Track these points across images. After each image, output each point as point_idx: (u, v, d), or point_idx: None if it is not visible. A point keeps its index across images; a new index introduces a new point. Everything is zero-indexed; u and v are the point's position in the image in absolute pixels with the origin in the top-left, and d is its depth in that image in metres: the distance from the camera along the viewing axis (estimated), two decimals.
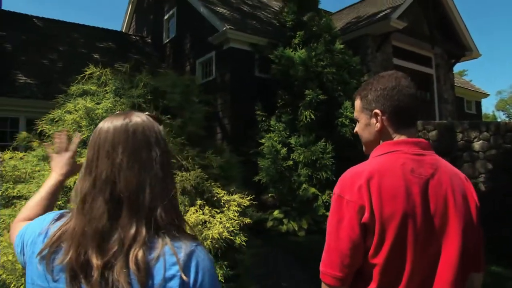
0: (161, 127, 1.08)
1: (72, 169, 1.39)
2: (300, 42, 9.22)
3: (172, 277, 0.89)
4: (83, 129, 3.42)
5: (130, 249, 0.88)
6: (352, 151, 7.97)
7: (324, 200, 8.04)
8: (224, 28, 9.61)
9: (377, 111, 1.38)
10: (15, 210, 2.92)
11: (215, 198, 3.43)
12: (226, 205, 3.41)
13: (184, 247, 0.93)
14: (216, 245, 3.05)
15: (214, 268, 1.00)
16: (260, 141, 8.70)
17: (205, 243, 2.95)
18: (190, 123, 3.93)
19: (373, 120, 1.40)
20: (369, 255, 1.20)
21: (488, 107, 75.91)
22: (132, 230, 0.90)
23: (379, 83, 1.39)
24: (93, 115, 3.45)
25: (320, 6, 10.31)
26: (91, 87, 3.89)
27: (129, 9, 17.59)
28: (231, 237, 3.14)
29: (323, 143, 8.30)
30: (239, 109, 9.72)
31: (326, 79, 8.67)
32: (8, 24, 11.29)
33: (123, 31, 17.65)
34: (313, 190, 8.13)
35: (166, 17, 13.75)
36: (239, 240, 3.22)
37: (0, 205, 3.32)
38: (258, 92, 9.79)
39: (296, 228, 7.91)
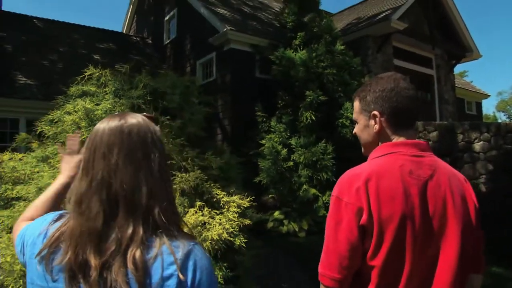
0: (157, 128, 1.09)
1: None
2: (301, 43, 9.22)
3: (169, 276, 0.89)
4: (83, 130, 3.42)
5: (127, 248, 0.89)
6: (352, 152, 7.95)
7: (325, 201, 8.03)
8: (225, 29, 9.61)
9: (375, 112, 1.37)
10: (14, 212, 2.92)
11: (215, 199, 3.42)
12: (226, 206, 3.40)
13: (181, 246, 0.93)
14: (216, 247, 3.04)
15: (212, 267, 1.00)
16: (260, 142, 8.69)
17: (204, 245, 2.95)
18: (189, 124, 3.93)
19: (372, 122, 1.40)
20: (367, 257, 1.20)
21: (488, 108, 75.93)
22: (129, 230, 0.90)
23: (378, 84, 1.39)
24: (92, 116, 3.45)
25: (321, 7, 10.31)
26: (91, 88, 3.89)
27: (130, 10, 17.61)
28: (231, 239, 3.13)
29: (324, 144, 8.29)
30: (240, 110, 9.72)
31: (326, 80, 8.66)
32: (8, 25, 11.30)
33: (124, 32, 17.68)
34: (313, 191, 8.12)
35: (166, 18, 13.76)
36: (239, 241, 3.22)
37: None
38: (259, 93, 9.78)
39: (297, 229, 7.90)
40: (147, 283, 0.87)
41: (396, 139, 1.36)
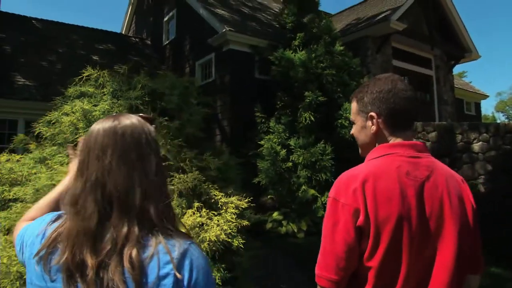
0: (152, 128, 1.09)
1: None
2: (300, 44, 9.22)
3: (166, 275, 0.90)
4: (80, 131, 3.41)
5: (123, 248, 0.90)
6: (351, 153, 7.90)
7: (324, 202, 8.03)
8: (224, 30, 9.61)
9: (372, 113, 1.37)
10: (11, 213, 2.91)
11: (213, 200, 3.41)
12: (224, 207, 3.39)
13: (177, 246, 0.94)
14: (214, 248, 3.04)
15: (209, 266, 1.01)
16: (259, 142, 8.69)
17: (202, 246, 2.94)
18: (188, 125, 3.93)
19: (369, 123, 1.39)
20: (364, 258, 1.20)
21: (487, 108, 75.91)
22: (124, 230, 0.91)
23: (375, 85, 1.39)
24: (90, 117, 3.44)
25: (320, 8, 10.32)
26: (89, 89, 3.89)
27: (129, 11, 17.61)
28: (229, 240, 3.13)
29: (323, 145, 8.29)
30: (239, 111, 9.72)
31: (326, 81, 8.66)
32: (7, 26, 11.30)
33: (123, 33, 17.68)
34: (312, 191, 8.12)
35: (165, 19, 13.76)
36: (237, 242, 3.21)
37: None
38: (258, 94, 9.79)
39: (296, 230, 7.90)
40: (144, 282, 0.88)
41: (393, 140, 1.35)
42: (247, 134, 9.28)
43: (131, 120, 1.05)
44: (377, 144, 1.39)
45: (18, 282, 2.55)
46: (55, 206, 1.26)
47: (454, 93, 14.21)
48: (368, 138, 1.42)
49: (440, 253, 1.22)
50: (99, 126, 1.03)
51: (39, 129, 3.78)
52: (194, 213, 3.17)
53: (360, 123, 1.44)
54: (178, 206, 3.20)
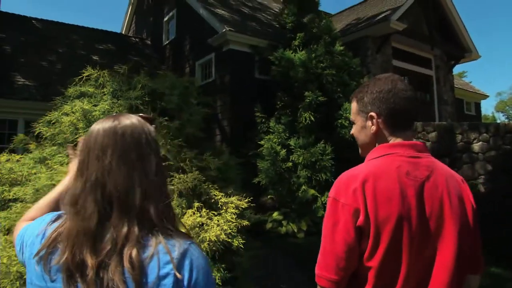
0: (152, 128, 1.09)
1: None
2: (300, 44, 9.22)
3: (166, 275, 0.90)
4: (80, 131, 3.41)
5: (123, 248, 0.90)
6: (351, 153, 7.89)
7: (324, 202, 8.02)
8: (224, 30, 9.61)
9: (372, 114, 1.37)
10: (11, 213, 2.91)
11: (213, 200, 3.41)
12: (224, 207, 3.39)
13: (177, 246, 0.94)
14: (214, 248, 3.04)
15: (209, 266, 1.01)
16: (259, 142, 8.69)
17: (202, 246, 2.94)
18: (188, 125, 3.92)
19: (369, 123, 1.39)
20: (364, 258, 1.20)
21: (487, 108, 75.91)
22: (124, 230, 0.91)
23: (375, 85, 1.39)
24: (90, 117, 3.44)
25: (320, 8, 10.31)
26: (89, 89, 3.89)
27: (129, 11, 17.61)
28: (229, 240, 3.13)
29: (323, 145, 8.28)
30: (239, 111, 9.72)
31: (326, 81, 8.66)
32: (7, 26, 11.29)
33: (123, 33, 17.68)
34: (312, 191, 8.11)
35: (165, 19, 13.76)
36: (237, 242, 3.21)
37: None
38: (258, 94, 9.78)
39: (296, 230, 7.90)
40: (144, 282, 0.88)
41: (393, 140, 1.35)
42: (247, 134, 9.28)
43: (131, 120, 1.05)
44: (377, 144, 1.39)
45: (18, 282, 2.55)
46: (55, 206, 1.26)
47: (454, 93, 14.21)
48: (368, 138, 1.42)
49: (440, 253, 1.22)
50: (99, 126, 1.03)
51: (39, 129, 3.78)
52: (194, 213, 3.17)
53: (360, 123, 1.44)
54: (178, 206, 3.20)
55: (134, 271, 0.88)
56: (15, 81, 9.58)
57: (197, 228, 3.07)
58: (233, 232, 3.21)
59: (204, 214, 3.19)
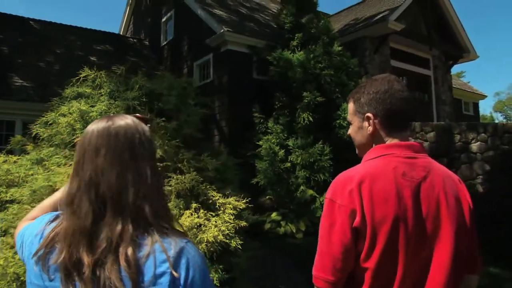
0: (147, 128, 1.11)
1: None
2: (299, 44, 9.22)
3: (162, 274, 0.91)
4: (77, 132, 3.40)
5: (118, 246, 0.91)
6: (350, 153, 7.87)
7: (322, 202, 8.01)
8: (222, 30, 9.61)
9: (369, 114, 1.37)
10: (7, 214, 2.90)
11: (211, 201, 3.40)
12: (222, 208, 3.38)
13: (174, 244, 0.95)
14: (211, 249, 3.02)
15: (205, 264, 1.02)
16: (257, 143, 8.69)
17: (200, 247, 2.93)
18: (185, 125, 3.91)
19: (366, 124, 1.40)
20: (360, 259, 1.20)
21: (485, 108, 76.13)
22: (118, 228, 0.93)
23: (372, 86, 1.39)
24: (87, 117, 3.43)
25: (318, 9, 10.31)
26: (86, 90, 3.87)
27: (127, 11, 17.59)
28: (227, 241, 3.11)
29: (321, 145, 8.28)
30: (237, 111, 9.71)
31: (324, 81, 8.66)
32: (4, 26, 11.28)
33: (121, 33, 17.67)
34: (310, 192, 8.11)
35: (164, 19, 13.75)
36: (235, 243, 3.20)
37: None
38: (256, 94, 9.78)
39: (294, 230, 7.89)
40: (140, 281, 0.89)
41: (390, 141, 1.36)
42: (245, 135, 9.27)
43: (125, 120, 1.06)
44: (374, 145, 1.40)
45: (15, 284, 2.54)
46: (58, 207, 1.27)
47: (452, 93, 14.22)
48: (364, 139, 1.42)
49: (437, 254, 1.22)
50: (93, 127, 1.04)
51: (36, 130, 3.77)
52: (191, 214, 3.16)
53: (357, 124, 1.44)
54: (175, 207, 3.19)
55: (131, 270, 0.88)
56: (13, 82, 9.56)
57: (194, 229, 3.05)
58: (231, 233, 3.19)
59: (202, 215, 3.18)
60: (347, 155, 7.90)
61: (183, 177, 3.35)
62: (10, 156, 3.69)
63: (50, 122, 3.74)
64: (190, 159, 3.58)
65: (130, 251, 0.90)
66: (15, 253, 2.72)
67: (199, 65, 11.34)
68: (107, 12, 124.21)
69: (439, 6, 12.85)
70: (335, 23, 12.63)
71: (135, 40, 15.54)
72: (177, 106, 4.04)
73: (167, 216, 1.03)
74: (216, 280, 3.02)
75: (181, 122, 3.84)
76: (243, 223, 3.37)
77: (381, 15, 10.87)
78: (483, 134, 7.89)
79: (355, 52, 10.34)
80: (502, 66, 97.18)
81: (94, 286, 0.89)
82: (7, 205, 3.08)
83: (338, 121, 8.53)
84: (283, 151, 8.41)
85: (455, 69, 39.47)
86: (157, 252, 0.92)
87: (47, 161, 3.44)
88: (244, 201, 3.55)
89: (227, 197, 3.51)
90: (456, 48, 13.61)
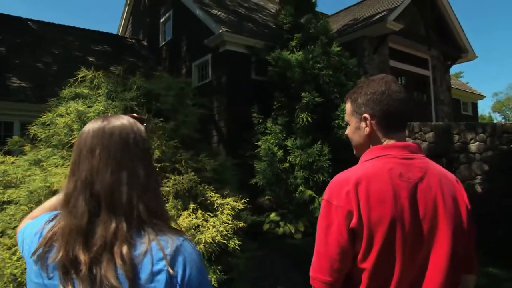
0: (142, 127, 1.12)
1: None
2: (297, 45, 9.21)
3: (159, 271, 0.92)
4: (75, 132, 3.40)
5: (113, 245, 0.93)
6: (348, 153, 7.82)
7: (321, 202, 8.00)
8: (220, 31, 9.60)
9: (366, 115, 1.37)
10: (4, 215, 2.89)
11: (209, 201, 3.40)
12: (220, 209, 3.38)
13: (170, 242, 0.97)
14: (209, 249, 3.02)
15: (202, 262, 1.03)
16: (256, 143, 8.67)
17: (197, 248, 2.92)
18: (183, 126, 3.91)
19: (363, 124, 1.40)
20: (357, 259, 1.20)
21: (484, 108, 76.37)
22: (112, 227, 0.94)
23: (369, 87, 1.39)
24: (85, 118, 3.42)
25: (317, 9, 10.30)
26: (84, 90, 3.87)
27: (125, 12, 17.57)
28: (225, 241, 3.11)
29: (320, 146, 8.28)
30: (235, 112, 9.70)
31: (323, 81, 8.65)
32: (2, 27, 11.25)
33: (119, 34, 17.65)
34: (309, 192, 8.10)
35: (162, 19, 13.74)
36: (233, 244, 3.19)
37: None
38: (255, 95, 9.77)
39: (293, 231, 7.88)
40: (137, 278, 0.90)
41: (387, 142, 1.36)
42: (243, 135, 9.26)
43: (120, 120, 1.08)
44: (371, 145, 1.40)
45: (12, 285, 2.53)
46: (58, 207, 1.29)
47: (451, 94, 14.24)
48: (361, 139, 1.42)
49: (434, 255, 1.22)
50: (89, 127, 1.06)
51: (34, 130, 3.76)
52: (189, 215, 3.16)
53: (354, 124, 1.44)
54: (173, 207, 3.18)
55: (126, 268, 0.90)
56: (11, 83, 9.54)
57: (192, 230, 3.05)
58: (229, 233, 3.19)
59: (200, 215, 3.18)
60: (346, 155, 7.88)
61: (181, 177, 3.34)
62: (7, 157, 3.68)
63: (47, 123, 3.73)
64: (188, 160, 3.57)
65: (125, 249, 0.91)
66: (12, 254, 2.72)
67: (198, 65, 11.33)
68: (105, 13, 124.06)
69: (438, 6, 12.86)
70: (333, 23, 12.63)
71: (133, 41, 15.52)
72: (174, 107, 4.04)
73: (164, 215, 1.05)
74: (214, 281, 3.01)
75: (179, 123, 3.84)
76: (242, 224, 3.37)
77: (379, 15, 10.87)
78: (481, 134, 7.89)
79: (354, 52, 10.33)
80: (501, 66, 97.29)
81: (91, 284, 0.90)
82: (5, 206, 3.08)
83: (337, 122, 8.53)
84: (282, 151, 8.41)
85: (454, 70, 39.51)
86: (154, 250, 0.93)
87: (45, 161, 3.43)
88: (243, 201, 3.54)
89: (225, 198, 3.51)
90: (454, 48, 13.63)
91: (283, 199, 8.39)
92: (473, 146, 7.97)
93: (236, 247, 3.22)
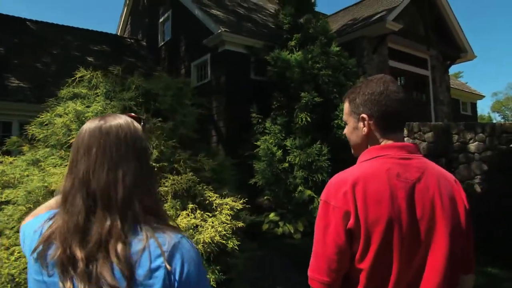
0: (139, 126, 1.13)
1: None
2: (297, 45, 9.21)
3: (157, 268, 0.93)
4: (73, 132, 3.39)
5: (108, 242, 0.94)
6: (348, 153, 7.78)
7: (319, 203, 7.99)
8: (219, 31, 9.59)
9: (364, 115, 1.37)
10: (2, 216, 2.88)
11: (207, 201, 3.39)
12: (219, 209, 3.37)
13: (168, 239, 0.98)
14: (208, 250, 3.01)
15: (200, 259, 1.04)
16: (255, 143, 8.67)
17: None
18: (182, 126, 3.90)
19: (361, 124, 1.40)
20: (355, 260, 1.21)
21: (483, 108, 76.43)
22: (107, 225, 0.96)
23: (367, 87, 1.39)
24: (83, 118, 3.42)
25: (316, 9, 10.30)
26: (82, 90, 3.86)
27: (124, 12, 17.55)
28: (223, 241, 3.10)
29: (319, 145, 8.27)
30: (235, 112, 9.69)
31: (322, 81, 8.65)
32: (1, 27, 11.23)
33: (118, 34, 17.64)
34: (309, 192, 8.10)
35: (161, 20, 13.72)
36: (232, 244, 3.19)
37: None
38: (254, 95, 9.76)
39: (292, 231, 7.88)
40: (135, 275, 0.92)
41: (385, 142, 1.35)
42: (242, 135, 9.25)
43: (117, 120, 1.09)
44: (369, 145, 1.39)
45: (9, 285, 2.52)
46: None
47: (450, 93, 14.24)
48: (359, 139, 1.42)
49: (431, 255, 1.22)
50: (86, 126, 1.08)
51: (32, 131, 3.75)
52: (188, 215, 3.15)
53: (352, 124, 1.44)
54: (172, 207, 3.17)
55: (122, 265, 0.91)
56: (9, 83, 9.53)
57: (191, 230, 3.04)
58: (228, 233, 3.18)
59: (199, 215, 3.17)
60: (345, 155, 7.86)
61: (180, 177, 3.34)
62: (6, 157, 3.67)
63: (45, 123, 3.72)
64: (186, 160, 3.57)
65: (120, 247, 0.92)
66: (10, 254, 2.71)
67: (197, 65, 11.32)
68: (104, 13, 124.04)
69: (437, 6, 12.86)
70: (333, 23, 12.63)
71: (132, 41, 15.51)
72: (173, 107, 4.03)
73: (161, 213, 1.06)
74: (213, 281, 3.00)
75: (177, 123, 3.83)
76: (240, 224, 3.36)
77: (378, 15, 10.87)
78: (481, 134, 7.89)
79: (353, 52, 10.34)
80: (500, 66, 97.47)
81: (89, 280, 0.91)
82: (2, 206, 3.07)
83: (336, 121, 8.52)
84: (281, 151, 8.40)
85: (453, 70, 39.51)
86: (152, 247, 0.94)
87: (43, 162, 3.42)
88: (241, 201, 3.54)
89: (224, 198, 3.50)
90: (453, 48, 13.63)
91: (282, 199, 8.38)
92: (472, 146, 7.97)
93: (235, 247, 3.21)
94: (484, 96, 20.89)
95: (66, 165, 3.14)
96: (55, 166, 3.27)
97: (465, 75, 69.68)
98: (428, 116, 12.81)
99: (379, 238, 1.16)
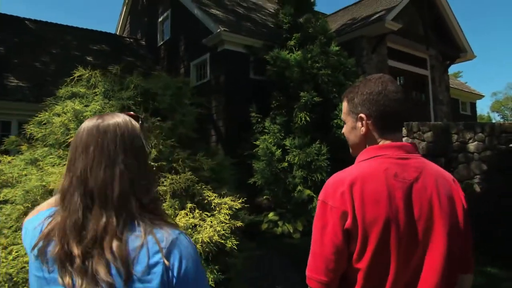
0: (137, 125, 1.14)
1: None
2: (296, 44, 9.21)
3: (155, 264, 0.94)
4: (71, 131, 3.38)
5: (103, 239, 0.95)
6: (347, 153, 7.80)
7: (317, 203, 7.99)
8: (219, 30, 9.58)
9: (362, 115, 1.37)
10: (0, 215, 2.87)
11: (206, 201, 3.38)
12: (217, 208, 3.36)
13: (166, 236, 0.99)
14: (207, 249, 3.01)
15: (198, 255, 1.05)
16: (254, 143, 8.67)
17: None
18: (181, 125, 3.89)
19: (359, 124, 1.39)
20: (353, 260, 1.21)
21: (483, 108, 76.14)
22: (102, 221, 0.97)
23: (366, 87, 1.38)
24: (81, 117, 3.41)
25: (315, 9, 10.30)
26: (80, 89, 3.85)
27: (123, 11, 17.54)
28: (222, 241, 3.10)
29: (318, 145, 8.27)
30: (234, 111, 9.69)
31: (321, 81, 8.65)
32: (0, 27, 11.21)
33: (118, 33, 17.62)
34: (308, 192, 8.09)
35: (160, 19, 13.71)
36: (230, 243, 3.18)
37: None
38: (253, 94, 9.76)
39: (291, 230, 7.88)
40: (132, 271, 0.93)
41: (383, 142, 1.35)
42: (242, 135, 9.25)
43: (115, 118, 1.10)
44: (367, 145, 1.39)
45: (7, 285, 2.51)
46: None
47: (450, 93, 14.25)
48: (357, 139, 1.42)
49: (429, 255, 1.21)
50: (85, 125, 1.09)
51: (30, 130, 3.74)
52: (187, 214, 3.14)
53: (350, 124, 1.44)
54: (171, 207, 3.17)
55: (117, 262, 0.92)
56: (9, 82, 9.52)
57: (189, 229, 3.04)
58: (227, 233, 3.18)
59: (197, 215, 3.16)
60: (344, 154, 7.82)
61: (178, 177, 3.33)
62: (4, 156, 3.66)
63: (44, 122, 3.72)
64: (185, 159, 3.56)
65: (115, 244, 0.93)
66: (8, 253, 2.70)
67: (196, 65, 11.31)
68: (103, 13, 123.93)
69: (436, 5, 12.86)
70: (332, 23, 12.62)
71: (131, 40, 15.49)
72: (172, 106, 4.02)
73: (158, 210, 1.07)
74: (211, 280, 3.00)
75: (176, 122, 3.82)
76: (239, 223, 3.36)
77: (378, 15, 10.86)
78: (480, 134, 7.89)
79: (352, 52, 10.33)
80: (500, 66, 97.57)
81: (86, 276, 0.92)
82: (1, 205, 3.06)
83: (335, 121, 8.52)
84: (280, 151, 8.40)
85: (452, 69, 39.53)
86: (150, 244, 0.96)
87: (41, 161, 3.42)
88: (240, 201, 3.53)
89: (223, 197, 3.50)
90: (453, 48, 13.63)
91: (282, 199, 8.38)
92: (472, 146, 7.97)
93: (234, 246, 3.21)
94: (483, 96, 20.90)
95: (64, 164, 3.13)
96: (54, 165, 3.26)
97: (464, 75, 69.75)
98: (428, 116, 12.81)
99: (377, 238, 1.16)
